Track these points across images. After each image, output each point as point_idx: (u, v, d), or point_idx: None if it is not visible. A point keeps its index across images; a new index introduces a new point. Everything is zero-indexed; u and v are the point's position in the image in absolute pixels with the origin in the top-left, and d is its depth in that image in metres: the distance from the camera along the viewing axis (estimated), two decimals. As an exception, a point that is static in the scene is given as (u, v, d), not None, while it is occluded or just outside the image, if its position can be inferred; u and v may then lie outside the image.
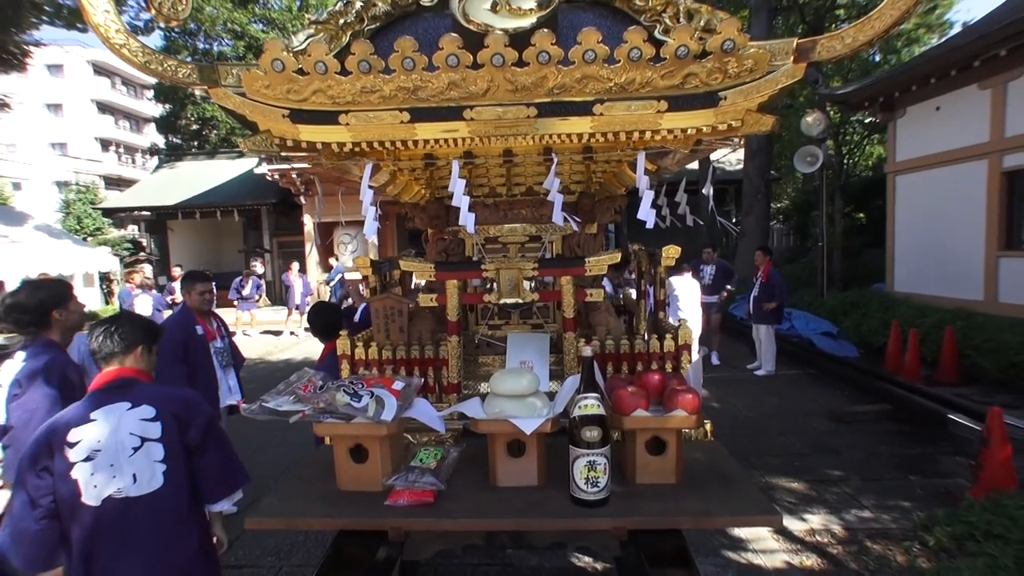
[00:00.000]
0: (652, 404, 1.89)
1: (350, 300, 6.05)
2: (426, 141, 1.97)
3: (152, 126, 31.92)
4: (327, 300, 12.33)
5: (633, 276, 3.78)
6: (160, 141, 26.96)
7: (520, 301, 2.19)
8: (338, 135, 1.97)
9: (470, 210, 2.03)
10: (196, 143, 24.22)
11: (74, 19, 10.63)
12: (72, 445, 1.66)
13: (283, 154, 2.21)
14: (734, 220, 15.12)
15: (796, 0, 11.61)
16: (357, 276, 4.56)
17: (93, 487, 1.65)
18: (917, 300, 8.44)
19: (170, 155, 21.39)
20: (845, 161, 15.37)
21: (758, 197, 12.73)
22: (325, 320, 3.45)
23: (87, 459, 1.66)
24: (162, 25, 1.90)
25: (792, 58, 1.86)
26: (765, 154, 13.08)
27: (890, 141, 9.76)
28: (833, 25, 13.99)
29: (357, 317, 4.25)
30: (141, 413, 1.73)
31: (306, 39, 2.14)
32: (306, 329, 3.58)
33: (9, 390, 2.22)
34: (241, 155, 19.45)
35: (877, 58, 15.83)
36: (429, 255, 2.69)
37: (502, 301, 2.20)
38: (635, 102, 1.83)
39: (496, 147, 2.12)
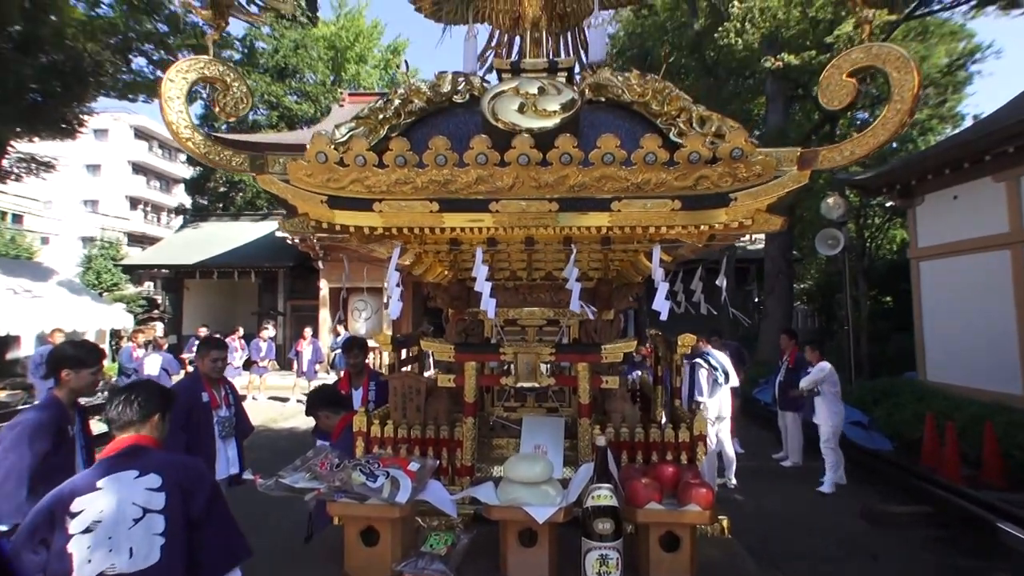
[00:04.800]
0: (666, 497, 1.92)
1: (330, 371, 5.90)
2: (452, 228, 2.15)
3: (181, 187, 33.69)
4: (331, 371, 12.40)
5: (648, 363, 3.85)
6: (187, 201, 28.32)
7: (536, 385, 2.28)
8: (370, 220, 2.16)
9: (491, 295, 2.17)
10: (222, 205, 25.38)
11: (127, 91, 11.63)
12: (74, 515, 1.66)
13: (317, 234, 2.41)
14: (756, 299, 15.17)
15: (810, 91, 12.27)
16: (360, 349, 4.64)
17: (87, 563, 1.63)
18: (952, 391, 8.26)
19: (195, 215, 22.40)
20: (868, 244, 15.54)
21: (779, 277, 12.85)
22: (326, 402, 3.55)
23: (86, 531, 1.66)
24: (216, 113, 2.15)
25: (796, 166, 2.04)
26: (786, 235, 13.33)
27: (911, 227, 9.94)
28: (849, 113, 14.62)
29: (371, 396, 4.27)
30: (147, 482, 1.75)
31: (348, 132, 2.39)
32: (306, 410, 3.67)
33: None
34: (264, 217, 20.34)
35: (894, 144, 16.40)
36: (449, 335, 2.81)
37: (519, 384, 2.29)
38: (650, 201, 2.00)
39: (518, 235, 2.30)
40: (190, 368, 10.77)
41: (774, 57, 10.72)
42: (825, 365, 6.68)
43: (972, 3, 10.23)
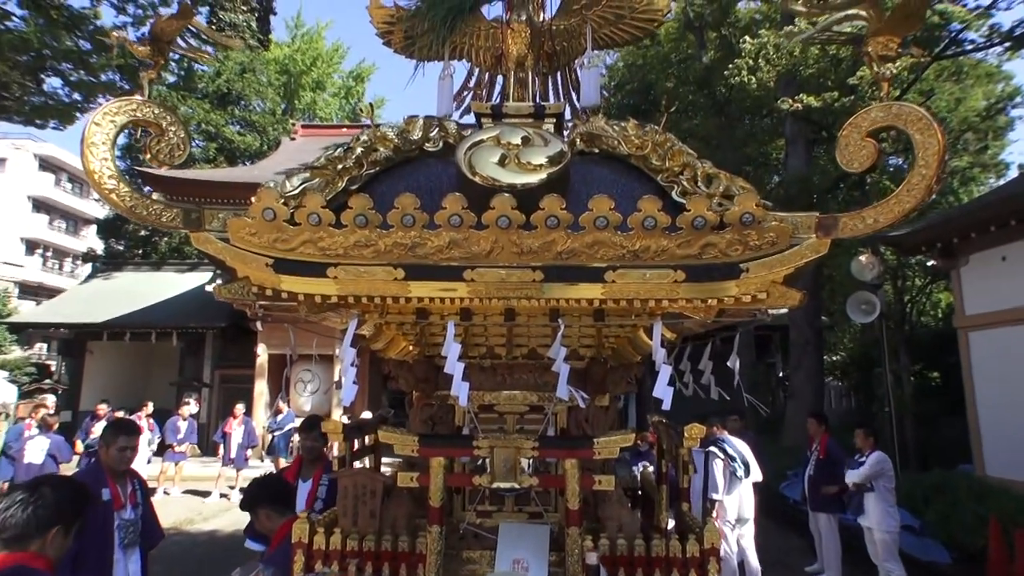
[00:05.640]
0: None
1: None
2: (420, 298, 2.21)
3: (93, 228, 33.51)
4: (267, 459, 12.06)
5: (654, 451, 3.86)
6: (100, 246, 28.12)
7: (516, 486, 2.29)
8: (324, 288, 2.21)
9: (464, 378, 2.21)
10: (142, 251, 25.27)
11: (35, 115, 11.79)
12: None
13: (260, 302, 2.45)
14: (780, 375, 15.32)
15: (834, 133, 12.94)
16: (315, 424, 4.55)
17: None
18: (1017, 489, 8.27)
19: (108, 263, 22.24)
20: (908, 309, 15.92)
21: (808, 349, 13.06)
22: (271, 497, 3.42)
23: None
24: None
25: (815, 233, 2.16)
26: (814, 299, 13.63)
27: (955, 291, 10.26)
28: (882, 156, 15.34)
29: (321, 493, 4.15)
30: None
31: (300, 184, 2.49)
32: (242, 503, 3.54)
33: None
34: (193, 267, 20.27)
35: (933, 195, 17.14)
36: (412, 423, 2.82)
37: (495, 485, 2.29)
38: (649, 271, 2.10)
39: (497, 307, 2.37)
40: (80, 448, 10.37)
41: (792, 98, 11.33)
42: (881, 456, 6.66)
43: (1007, 44, 11.05)
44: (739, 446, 6.52)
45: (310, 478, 4.31)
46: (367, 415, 10.51)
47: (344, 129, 20.92)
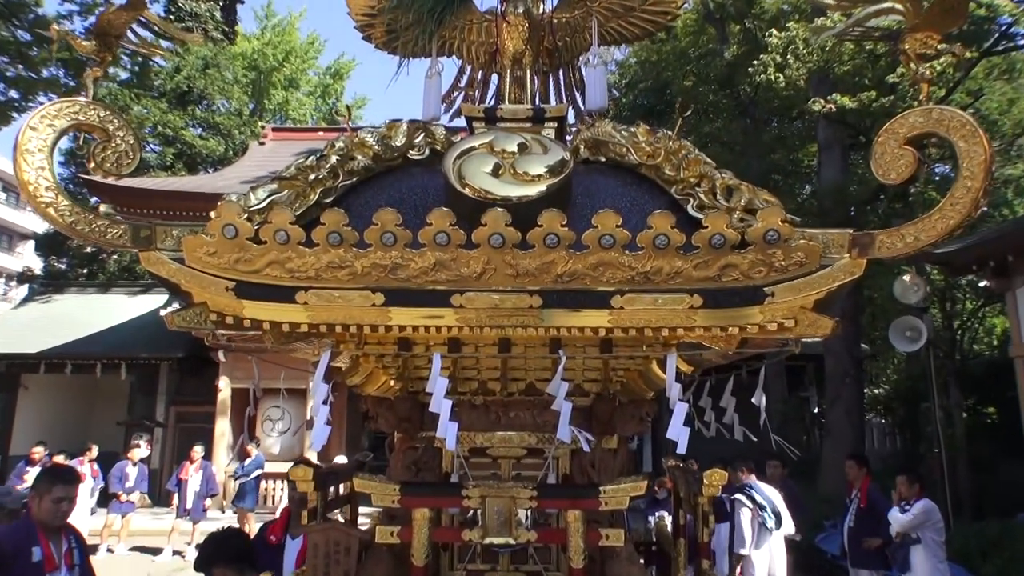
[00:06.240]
0: None
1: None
2: (402, 327, 2.21)
3: (31, 244, 33.50)
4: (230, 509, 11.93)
5: (670, 498, 3.84)
6: (38, 264, 28.07)
7: (512, 541, 2.27)
8: (292, 315, 2.22)
9: (452, 417, 2.21)
10: (87, 271, 25.23)
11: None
12: None
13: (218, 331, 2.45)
14: (815, 410, 15.28)
15: (872, 137, 13.04)
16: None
17: None
18: (1089, 544, 8.23)
19: (47, 284, 22.17)
20: (959, 336, 15.94)
21: (846, 381, 13.06)
22: (229, 555, 3.37)
23: None
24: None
25: (848, 252, 2.18)
26: (852, 324, 13.63)
27: (1011, 315, 10.31)
28: (925, 166, 15.50)
29: (292, 555, 4.08)
30: None
31: (267, 197, 2.50)
32: (197, 562, 3.50)
33: None
34: (146, 289, 20.24)
35: (985, 207, 17.26)
36: (393, 470, 2.81)
37: (488, 540, 2.28)
38: (662, 295, 2.10)
39: (490, 336, 2.37)
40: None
41: (824, 99, 11.47)
42: (929, 504, 6.65)
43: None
44: (769, 493, 6.50)
45: (300, 535, 4.20)
46: (340, 459, 10.43)
47: (320, 133, 21.06)
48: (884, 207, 14.33)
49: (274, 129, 21.75)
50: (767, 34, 12.71)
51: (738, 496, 6.37)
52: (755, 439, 2.91)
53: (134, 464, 12.02)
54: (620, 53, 17.56)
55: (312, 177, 2.54)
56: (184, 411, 16.95)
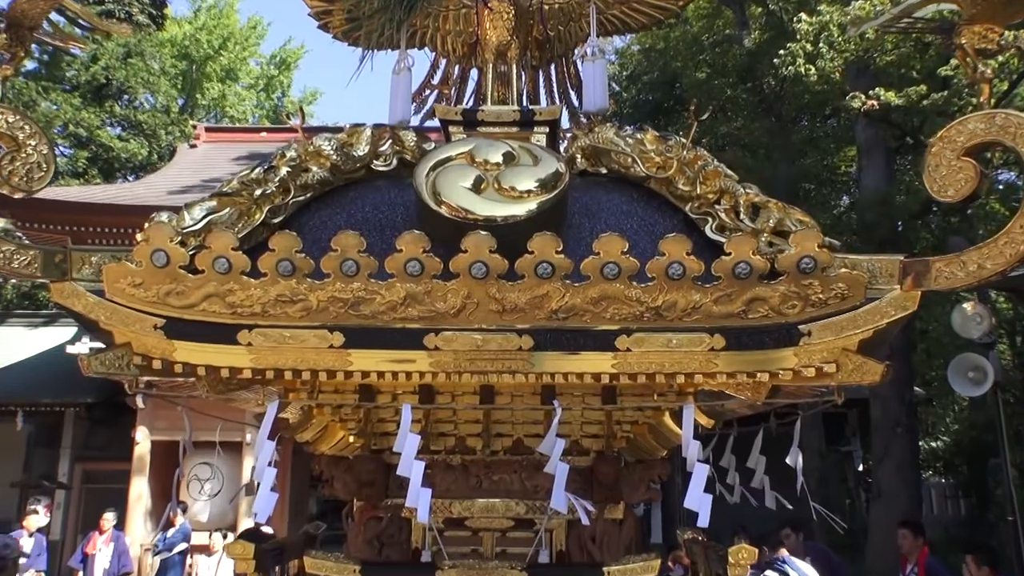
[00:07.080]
0: None
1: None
2: (365, 373, 2.20)
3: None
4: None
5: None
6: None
7: (497, 635, 2.25)
8: (233, 359, 2.20)
9: (425, 482, 2.19)
10: (-23, 300, 25.01)
11: None
12: None
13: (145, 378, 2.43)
14: (860, 467, 15.27)
15: (921, 138, 13.11)
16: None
17: None
18: None
19: (-72, 316, 21.94)
20: (1032, 376, 16.01)
21: (897, 432, 13.06)
22: None
23: None
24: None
25: (899, 282, 2.19)
26: (903, 362, 13.63)
27: (1092, 352, 10.39)
28: (987, 178, 15.66)
29: None
30: None
31: (204, 216, 2.49)
32: None
33: None
34: (50, 321, 20.05)
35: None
36: (352, 545, 2.78)
37: (468, 634, 2.25)
38: (677, 335, 2.10)
39: (470, 384, 2.37)
40: None
41: (865, 94, 11.61)
42: None
43: None
44: (805, 569, 6.49)
45: None
46: (267, 530, 10.26)
47: (263, 133, 21.12)
48: (937, 221, 14.44)
49: (207, 129, 21.71)
50: (795, 18, 12.84)
51: (769, 573, 6.36)
52: (790, 506, 2.90)
53: (30, 535, 11.79)
54: (620, 40, 17.75)
55: (258, 192, 2.53)
56: (93, 469, 16.74)
